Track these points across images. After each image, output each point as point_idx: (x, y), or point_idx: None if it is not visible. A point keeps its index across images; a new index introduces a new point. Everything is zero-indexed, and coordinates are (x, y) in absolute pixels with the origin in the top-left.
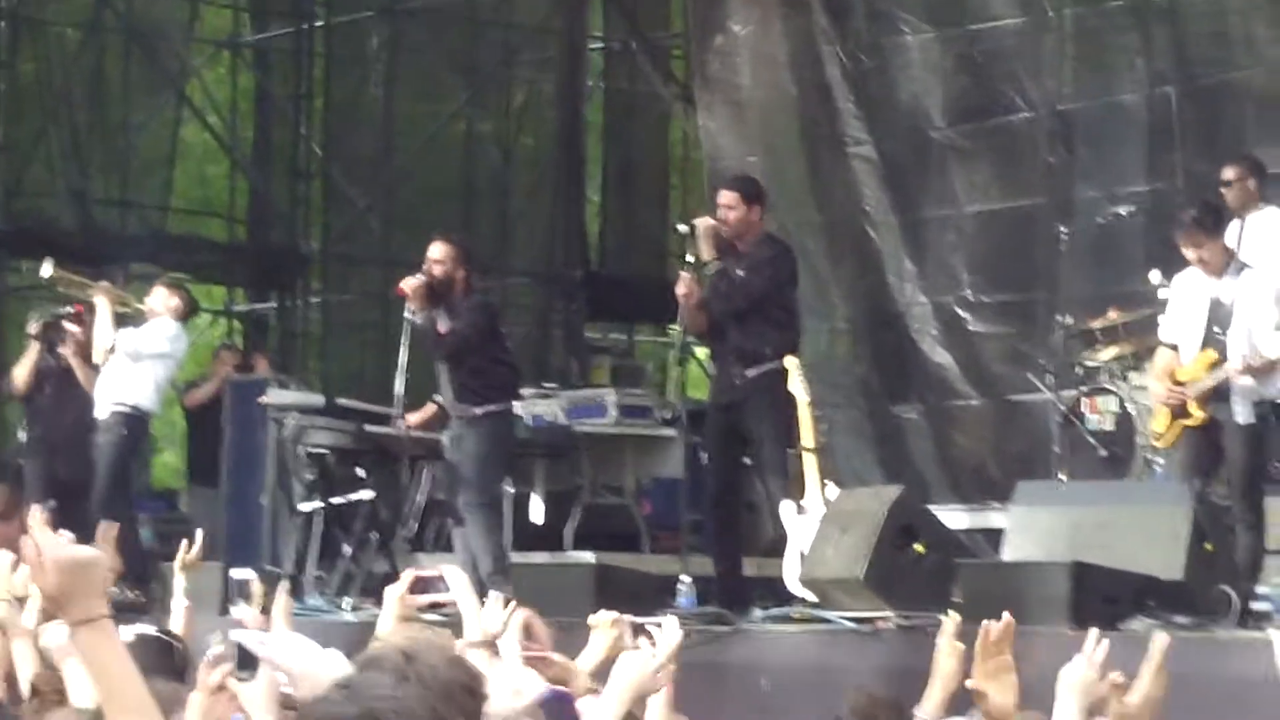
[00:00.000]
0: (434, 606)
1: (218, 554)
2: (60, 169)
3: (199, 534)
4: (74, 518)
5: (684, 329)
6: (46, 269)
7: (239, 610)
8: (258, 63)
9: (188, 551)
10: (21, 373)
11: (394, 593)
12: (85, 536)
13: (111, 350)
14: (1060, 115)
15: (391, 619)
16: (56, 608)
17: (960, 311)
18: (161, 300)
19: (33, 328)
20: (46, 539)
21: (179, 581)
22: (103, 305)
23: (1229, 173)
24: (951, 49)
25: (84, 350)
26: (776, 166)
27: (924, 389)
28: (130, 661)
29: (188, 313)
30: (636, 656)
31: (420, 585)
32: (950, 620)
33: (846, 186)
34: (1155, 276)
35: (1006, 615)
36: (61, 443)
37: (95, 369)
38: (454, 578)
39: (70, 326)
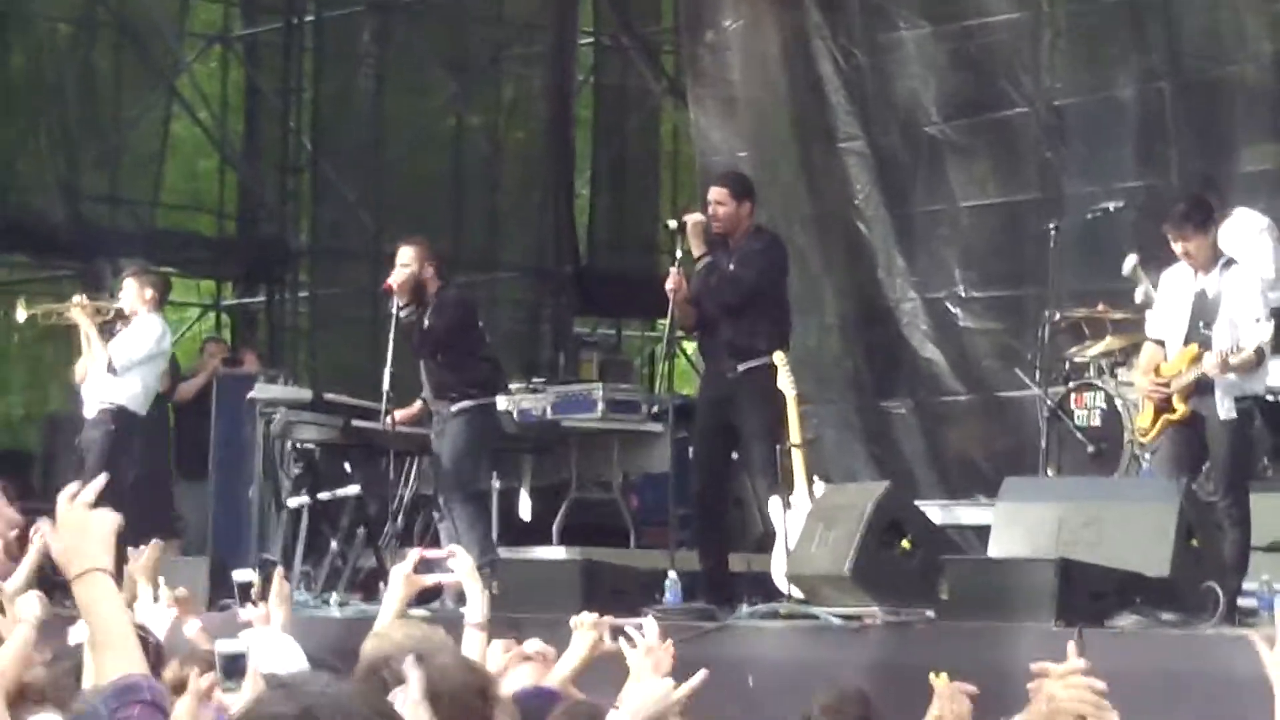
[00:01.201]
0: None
1: (205, 548)
2: (50, 164)
3: (154, 543)
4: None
5: (673, 324)
6: (20, 313)
7: (246, 612)
8: (248, 57)
9: (137, 560)
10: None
11: (400, 572)
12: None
13: (111, 369)
14: (1054, 110)
15: (396, 600)
16: (64, 565)
17: (951, 307)
18: (135, 295)
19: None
20: (63, 505)
21: (144, 587)
22: (83, 322)
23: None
24: (946, 44)
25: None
26: (767, 161)
27: (913, 384)
28: (125, 613)
29: (163, 298)
30: (654, 686)
31: (425, 565)
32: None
33: (838, 182)
34: (1129, 263)
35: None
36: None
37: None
38: (460, 559)
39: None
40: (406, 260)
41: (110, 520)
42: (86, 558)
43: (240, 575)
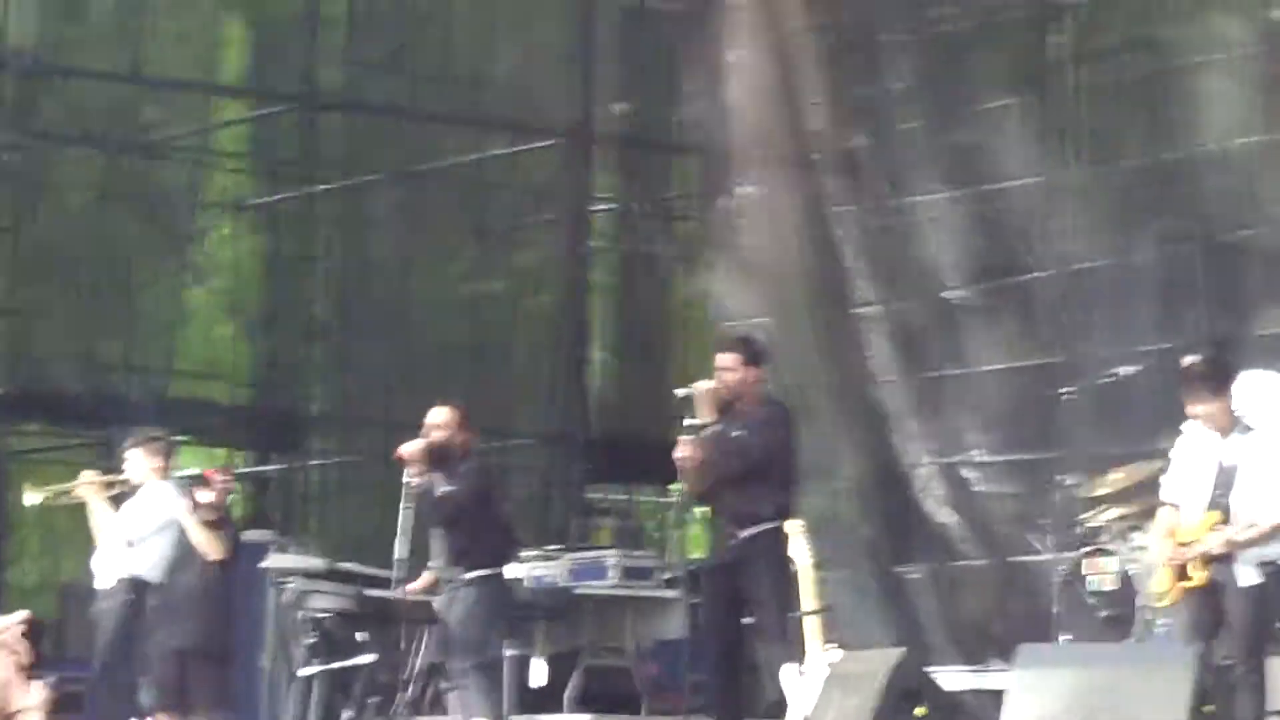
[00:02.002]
0: None
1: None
2: (67, 332)
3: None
4: (203, 681)
5: (686, 491)
6: (29, 497)
7: None
8: (267, 224)
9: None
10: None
11: None
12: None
13: (128, 544)
14: (1074, 274)
15: None
16: None
17: (967, 472)
18: (142, 467)
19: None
20: None
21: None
22: (92, 498)
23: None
24: (966, 208)
25: (201, 513)
26: (783, 327)
27: (929, 549)
28: None
29: (169, 462)
30: None
31: None
32: None
33: (854, 347)
34: None
35: None
36: (181, 609)
37: (211, 529)
38: None
39: (195, 491)
40: (441, 422)
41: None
42: None
43: None
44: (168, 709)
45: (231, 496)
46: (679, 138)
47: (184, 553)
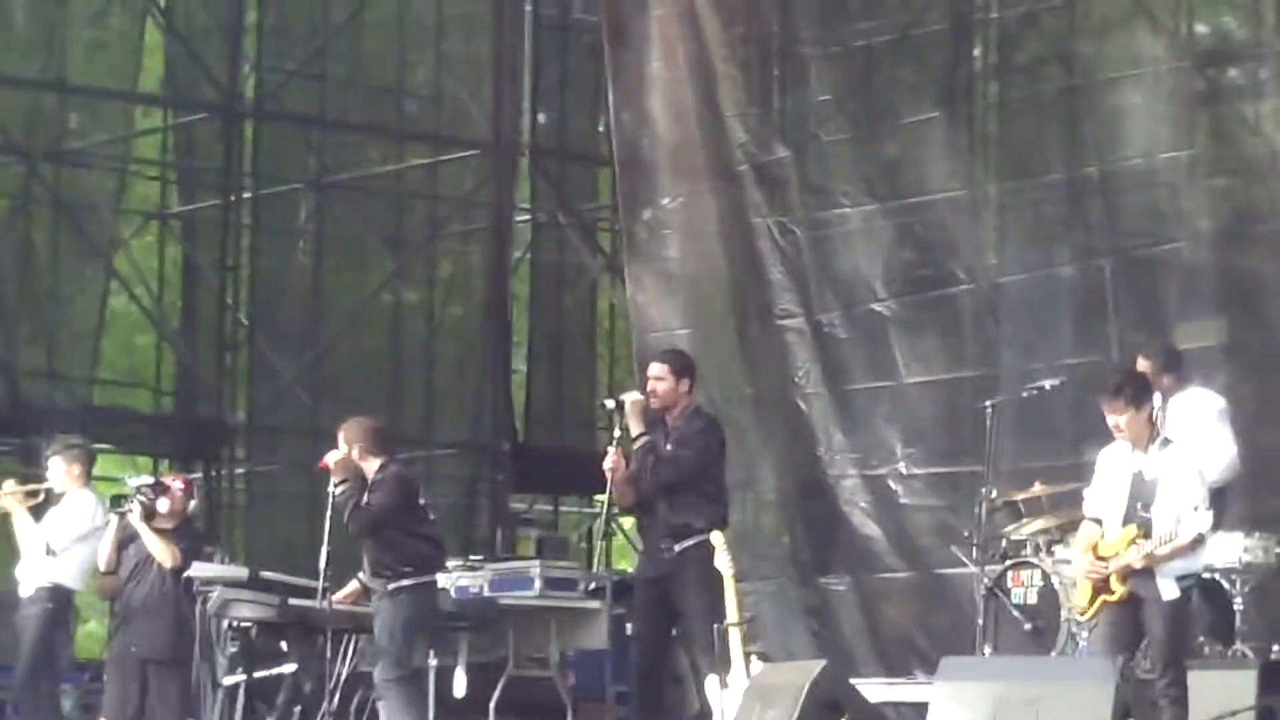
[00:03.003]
0: None
1: None
2: None
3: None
4: (163, 688)
5: (611, 502)
6: None
7: None
8: (185, 234)
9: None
10: (104, 549)
11: None
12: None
13: (50, 552)
14: (996, 287)
15: None
16: None
17: (892, 484)
18: (62, 474)
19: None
20: None
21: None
22: (13, 508)
23: (1141, 364)
24: (890, 220)
25: (159, 521)
26: (706, 338)
27: (852, 561)
28: None
29: (89, 471)
30: None
31: None
32: None
33: (776, 359)
34: None
35: None
36: (139, 617)
37: (167, 537)
38: None
39: (155, 499)
40: (342, 440)
41: None
42: None
43: None
44: (128, 717)
45: (192, 504)
46: (601, 149)
47: (140, 561)
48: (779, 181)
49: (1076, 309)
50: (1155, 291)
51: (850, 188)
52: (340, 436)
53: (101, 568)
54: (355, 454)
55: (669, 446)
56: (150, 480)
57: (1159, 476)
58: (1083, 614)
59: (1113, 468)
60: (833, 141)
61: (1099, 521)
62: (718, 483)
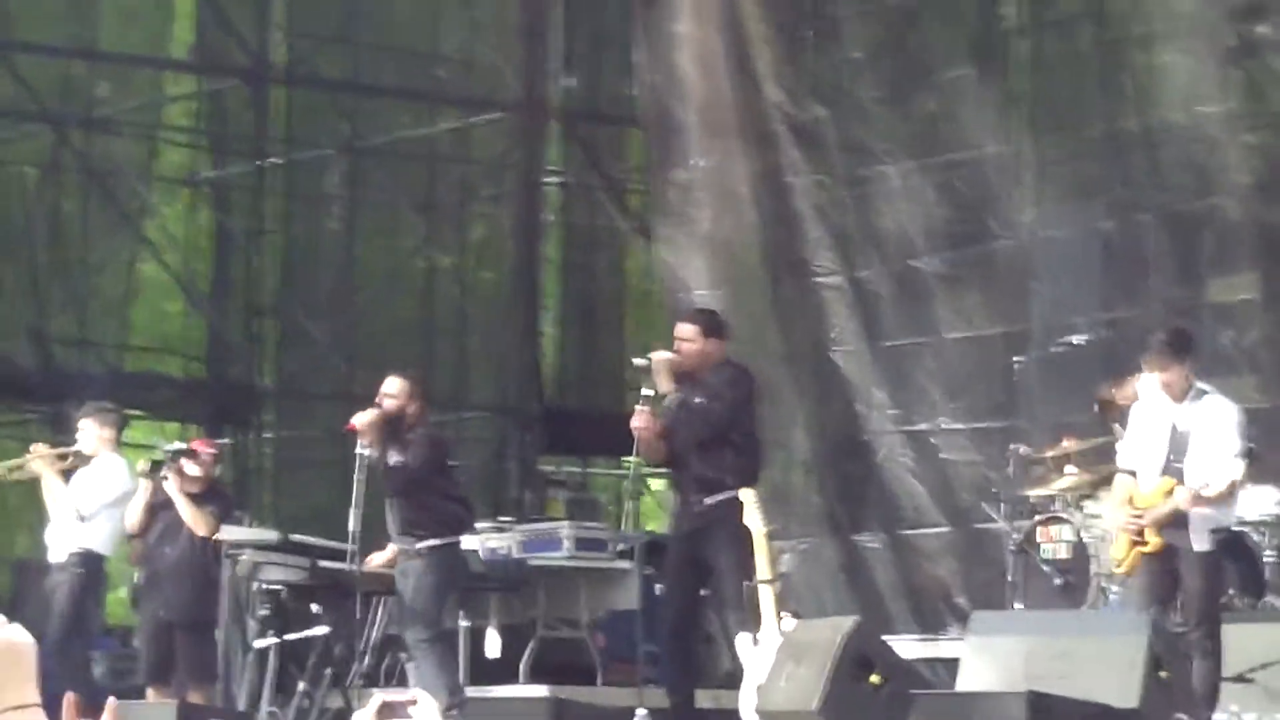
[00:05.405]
0: None
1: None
2: (19, 308)
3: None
4: (190, 652)
5: (641, 461)
6: None
7: None
8: (216, 200)
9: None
10: (134, 512)
11: (363, 718)
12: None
13: (80, 517)
14: (1038, 242)
15: None
16: None
17: (934, 440)
18: (94, 437)
19: (141, 465)
20: None
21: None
22: (44, 471)
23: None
24: (932, 177)
25: (187, 485)
26: (737, 298)
27: (888, 518)
28: None
29: (119, 436)
30: None
31: (389, 710)
32: None
33: (811, 316)
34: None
35: None
36: (168, 581)
37: (199, 504)
38: (424, 704)
39: (183, 463)
40: (394, 391)
41: (33, 650)
42: (18, 691)
43: None
44: (155, 681)
45: (220, 467)
46: (630, 110)
47: (169, 525)
48: (816, 140)
49: (1115, 264)
50: (1193, 246)
51: (888, 145)
52: (394, 386)
53: (131, 530)
54: (413, 408)
55: (699, 399)
56: (182, 446)
57: (1192, 428)
58: (1119, 566)
59: (1148, 420)
60: (869, 99)
61: (1133, 474)
62: (750, 434)
